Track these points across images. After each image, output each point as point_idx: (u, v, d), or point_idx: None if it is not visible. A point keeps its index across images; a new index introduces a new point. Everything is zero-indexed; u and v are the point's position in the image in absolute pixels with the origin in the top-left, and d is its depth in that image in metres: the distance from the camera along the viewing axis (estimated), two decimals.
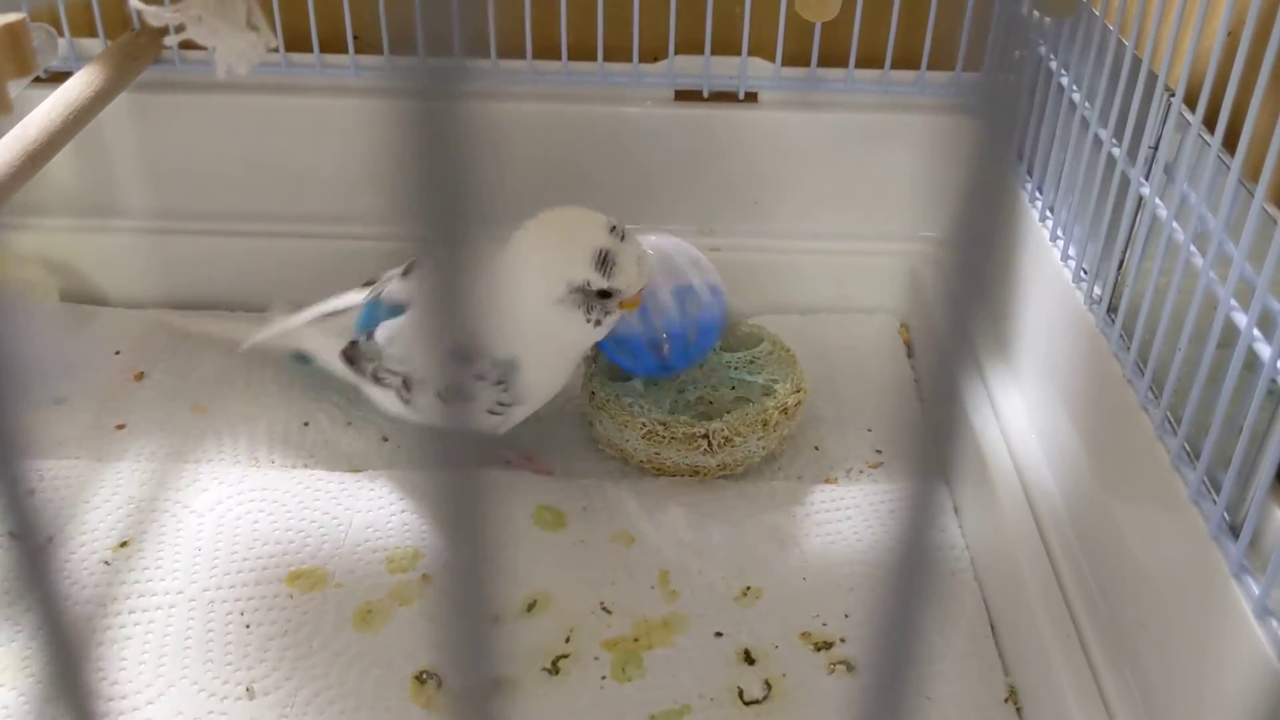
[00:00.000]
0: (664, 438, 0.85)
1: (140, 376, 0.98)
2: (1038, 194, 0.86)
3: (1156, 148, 0.68)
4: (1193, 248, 0.62)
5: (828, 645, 0.75)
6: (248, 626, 0.76)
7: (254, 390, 0.96)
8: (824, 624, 0.76)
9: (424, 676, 0.72)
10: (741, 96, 1.01)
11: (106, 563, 0.80)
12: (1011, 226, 0.89)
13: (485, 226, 0.18)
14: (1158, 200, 0.68)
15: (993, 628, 0.76)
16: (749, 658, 0.73)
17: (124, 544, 0.81)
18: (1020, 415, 0.83)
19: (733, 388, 0.90)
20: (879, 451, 0.91)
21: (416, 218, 0.17)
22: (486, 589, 0.19)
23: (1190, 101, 0.65)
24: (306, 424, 0.93)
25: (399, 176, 0.17)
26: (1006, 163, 0.18)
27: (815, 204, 1.04)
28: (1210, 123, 0.62)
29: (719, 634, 0.75)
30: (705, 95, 1.01)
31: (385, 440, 0.91)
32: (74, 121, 0.85)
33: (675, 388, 0.90)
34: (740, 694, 0.71)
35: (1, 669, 0.72)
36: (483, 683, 0.19)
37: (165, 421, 0.93)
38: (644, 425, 0.85)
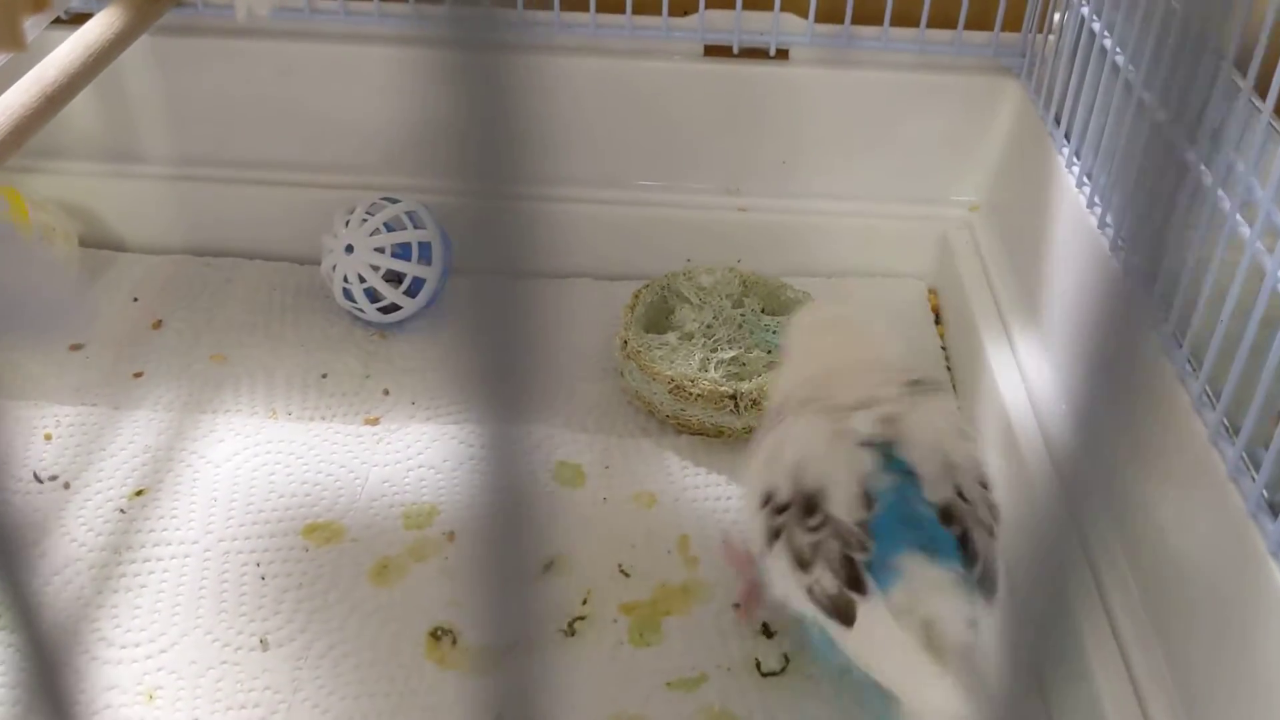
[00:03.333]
0: (691, 394, 0.84)
1: (159, 324, 0.97)
2: (1075, 159, 0.84)
3: (1204, 112, 0.66)
4: (1239, 217, 0.60)
5: None
6: (263, 578, 0.75)
7: (273, 340, 0.95)
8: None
9: (439, 633, 0.72)
10: (772, 53, 0.99)
11: (122, 510, 0.79)
12: (1047, 192, 0.86)
13: (523, 181, 0.17)
14: (1203, 167, 0.66)
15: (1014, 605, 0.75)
16: (767, 630, 0.72)
17: (140, 492, 0.81)
18: (1050, 385, 0.82)
19: (769, 351, 0.89)
20: None
21: (452, 170, 0.16)
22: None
23: (1241, 66, 0.62)
24: (325, 375, 0.92)
25: (432, 128, 0.15)
26: (1154, 326, 0.16)
27: (845, 165, 1.02)
28: (1262, 89, 0.60)
29: (738, 604, 0.74)
30: (735, 51, 0.99)
31: (386, 394, 0.90)
32: (94, 64, 0.84)
33: (709, 346, 0.89)
34: (758, 665, 0.70)
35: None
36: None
37: (183, 370, 0.92)
38: (671, 380, 0.85)
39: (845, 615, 0.57)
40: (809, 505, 0.60)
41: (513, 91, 0.15)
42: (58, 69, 0.80)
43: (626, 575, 0.76)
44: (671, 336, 0.90)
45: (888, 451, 0.60)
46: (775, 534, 0.61)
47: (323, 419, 0.88)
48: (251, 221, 1.04)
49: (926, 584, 0.58)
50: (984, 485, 0.61)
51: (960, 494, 0.59)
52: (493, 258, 0.16)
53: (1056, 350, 0.83)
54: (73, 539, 0.77)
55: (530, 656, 0.19)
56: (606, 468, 0.84)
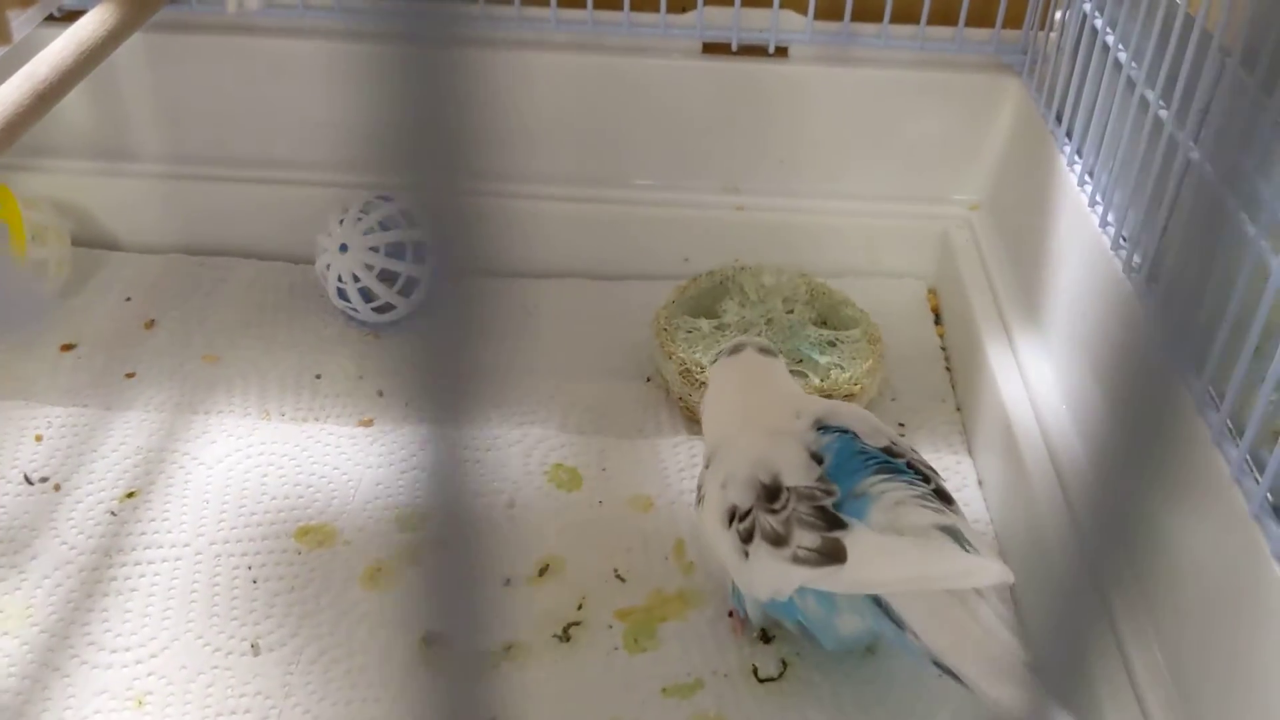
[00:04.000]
0: (696, 381, 0.84)
1: (151, 324, 0.96)
2: (1077, 157, 0.83)
3: (1208, 110, 0.65)
4: (1244, 215, 0.60)
5: None
6: (254, 582, 0.74)
7: (266, 340, 0.94)
8: None
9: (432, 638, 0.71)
10: (772, 50, 0.98)
11: (113, 513, 0.78)
12: (1048, 191, 0.86)
13: (477, 177, 0.16)
14: (1208, 166, 0.65)
15: (1016, 605, 0.74)
16: (765, 635, 0.71)
17: (131, 494, 0.80)
18: (1050, 386, 0.81)
19: (799, 360, 0.88)
20: (901, 425, 0.89)
21: (403, 167, 0.15)
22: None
23: (1247, 63, 0.61)
24: (319, 376, 0.91)
25: (380, 123, 0.15)
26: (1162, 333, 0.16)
27: (845, 164, 1.01)
28: (1268, 86, 0.59)
29: (732, 612, 0.73)
30: (734, 48, 0.98)
31: (380, 395, 0.89)
32: (86, 61, 0.83)
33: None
34: (755, 671, 0.69)
35: (5, 617, 0.71)
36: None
37: (175, 371, 0.91)
38: (682, 363, 0.84)
39: (836, 554, 0.61)
40: (771, 494, 0.64)
41: (465, 87, 0.15)
42: (49, 66, 0.79)
43: (622, 580, 0.75)
44: (706, 324, 0.91)
45: (821, 425, 0.66)
46: (748, 537, 0.64)
47: (316, 420, 0.87)
48: (245, 220, 1.03)
49: (894, 499, 0.62)
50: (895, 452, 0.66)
51: (893, 443, 0.66)
52: (439, 255, 0.15)
53: (1057, 351, 0.82)
54: (63, 541, 0.76)
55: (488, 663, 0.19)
56: (603, 470, 0.83)
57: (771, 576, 0.64)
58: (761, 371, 0.74)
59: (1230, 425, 0.59)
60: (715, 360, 0.78)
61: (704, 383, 0.83)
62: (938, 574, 0.60)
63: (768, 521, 0.63)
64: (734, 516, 0.65)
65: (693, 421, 0.87)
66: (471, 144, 0.16)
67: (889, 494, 0.62)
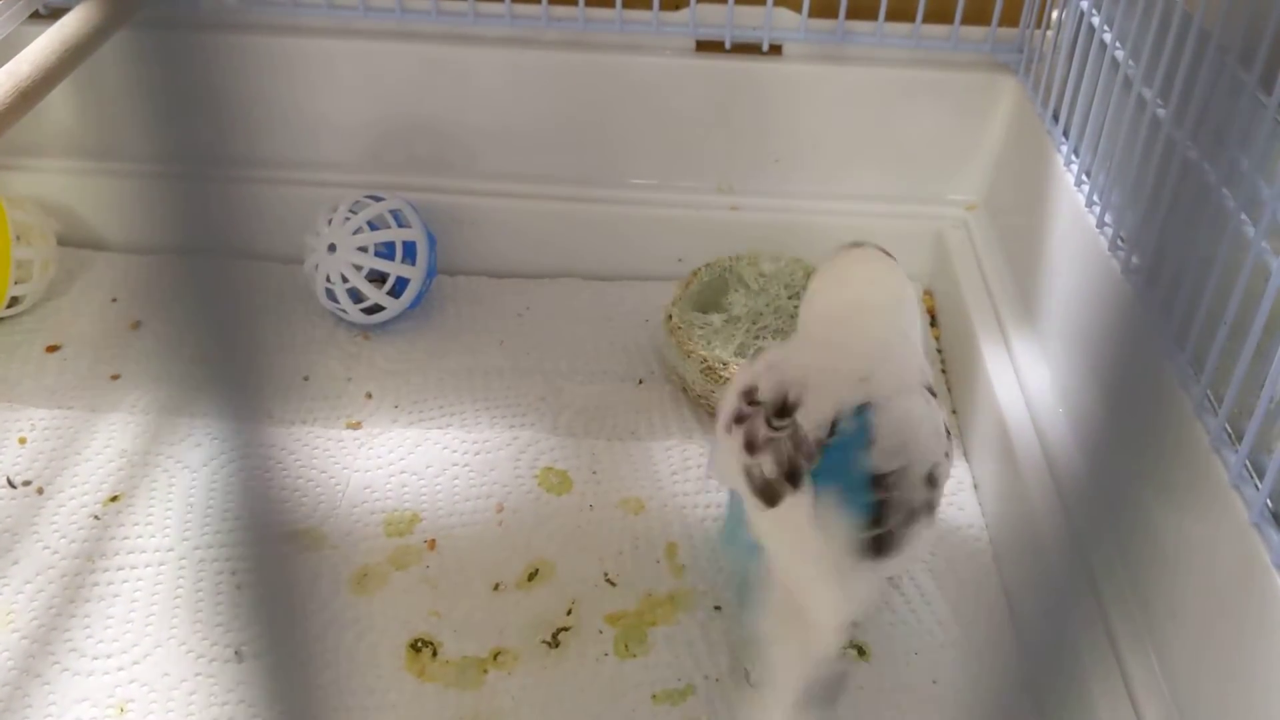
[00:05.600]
0: (721, 378, 0.83)
1: (137, 325, 0.95)
2: (1074, 156, 0.82)
3: (1206, 108, 0.64)
4: (1244, 216, 0.59)
5: None
6: (238, 587, 0.73)
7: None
8: None
9: (419, 644, 0.70)
10: (765, 49, 0.97)
11: (96, 517, 0.77)
12: (1044, 191, 0.85)
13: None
14: (1206, 165, 0.64)
15: (1011, 612, 0.73)
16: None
17: (114, 498, 0.79)
18: (1047, 387, 0.80)
19: None
20: None
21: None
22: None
23: (1245, 61, 0.61)
24: (306, 378, 0.90)
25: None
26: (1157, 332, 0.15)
27: (839, 163, 1.00)
28: (1267, 84, 0.58)
29: (723, 611, 0.72)
30: (727, 46, 0.97)
31: (369, 397, 0.88)
32: (70, 59, 0.82)
33: (752, 332, 0.89)
34: (747, 675, 0.68)
35: None
36: None
37: (161, 373, 0.90)
38: (704, 360, 0.84)
39: (771, 497, 0.63)
40: (781, 409, 0.64)
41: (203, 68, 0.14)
42: (32, 64, 0.78)
43: (613, 584, 0.74)
44: (717, 318, 0.90)
45: (862, 408, 0.64)
46: (740, 419, 0.65)
47: (304, 423, 0.86)
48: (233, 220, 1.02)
49: (832, 524, 0.62)
50: (931, 482, 0.64)
51: (901, 472, 0.63)
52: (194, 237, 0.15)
53: (1053, 352, 0.81)
54: (45, 546, 0.75)
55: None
56: (594, 473, 0.82)
57: (729, 462, 0.65)
58: (881, 288, 0.71)
59: (1229, 430, 0.58)
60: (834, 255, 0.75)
61: (728, 379, 0.82)
62: (806, 583, 0.61)
63: (759, 427, 0.64)
64: (750, 396, 0.66)
65: (713, 419, 0.85)
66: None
67: (832, 515, 0.62)
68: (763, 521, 0.63)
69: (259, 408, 0.16)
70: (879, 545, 0.62)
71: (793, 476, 0.63)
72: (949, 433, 0.66)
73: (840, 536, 0.62)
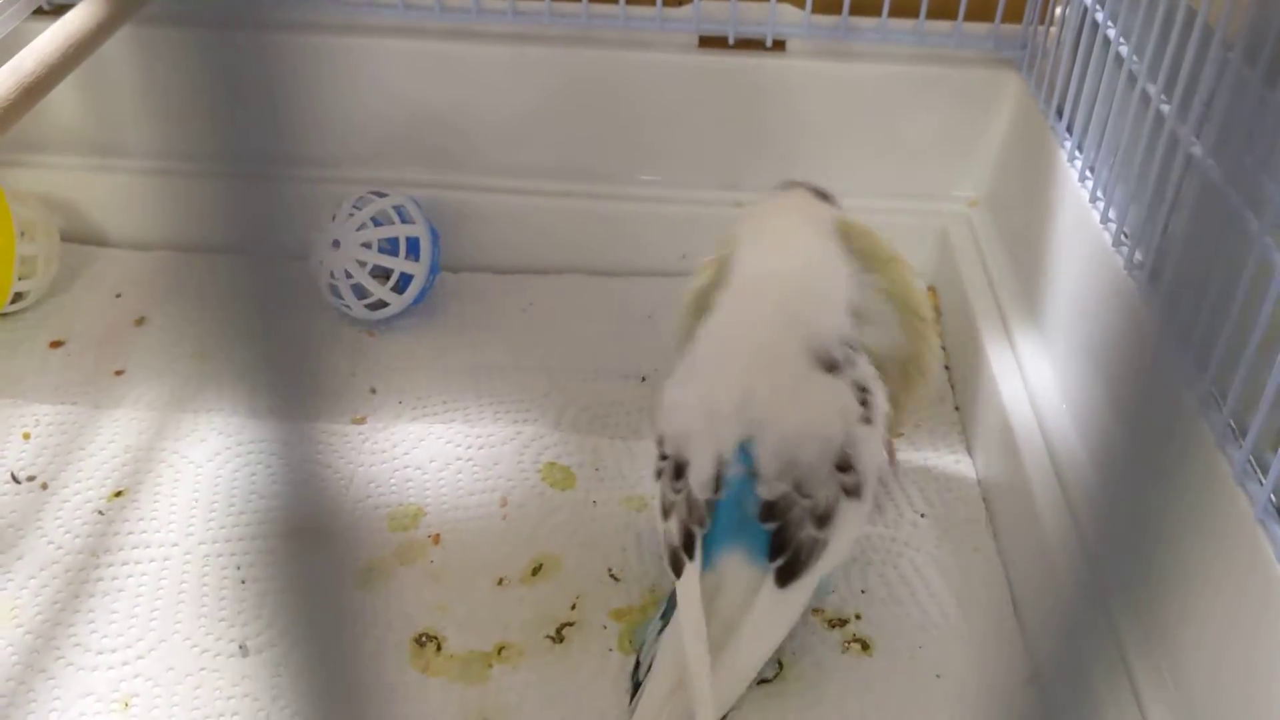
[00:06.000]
0: None
1: (141, 321, 0.95)
2: (1077, 153, 0.82)
3: (1210, 105, 0.64)
4: (1248, 213, 0.59)
5: (842, 622, 0.72)
6: (243, 582, 0.73)
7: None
8: (840, 599, 0.73)
9: (423, 639, 0.70)
10: (769, 44, 0.97)
11: (100, 512, 0.77)
12: (1048, 188, 0.85)
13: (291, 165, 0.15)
14: (1211, 162, 0.64)
15: (1015, 606, 0.73)
16: None
17: (119, 493, 0.79)
18: (1050, 385, 0.80)
19: None
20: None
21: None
22: None
23: (1250, 58, 0.60)
24: None
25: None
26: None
27: (842, 159, 1.00)
28: (1272, 81, 0.58)
29: None
30: (731, 42, 0.97)
31: (373, 392, 0.88)
32: (74, 54, 0.82)
33: None
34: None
35: None
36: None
37: (165, 369, 0.90)
38: None
39: (676, 567, 0.64)
40: (677, 471, 0.65)
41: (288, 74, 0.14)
42: (35, 60, 0.78)
43: (617, 580, 0.74)
44: None
45: (746, 444, 0.64)
46: (659, 473, 0.67)
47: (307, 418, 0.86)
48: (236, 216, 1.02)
49: (736, 581, 0.63)
50: (841, 467, 0.64)
51: (797, 488, 0.63)
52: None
53: (1057, 349, 0.81)
54: (50, 541, 0.75)
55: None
56: (597, 470, 0.82)
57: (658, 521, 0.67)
58: (799, 233, 0.72)
59: (1233, 426, 0.58)
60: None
61: None
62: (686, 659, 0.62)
63: (668, 491, 0.66)
64: (661, 447, 0.67)
65: None
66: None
67: (734, 573, 0.63)
68: (677, 587, 0.64)
69: (309, 406, 0.16)
70: (785, 574, 0.63)
71: (688, 545, 0.64)
72: (867, 389, 0.66)
73: (749, 597, 0.63)
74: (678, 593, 0.64)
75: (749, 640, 0.62)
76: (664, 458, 0.67)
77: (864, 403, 0.65)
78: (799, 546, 0.62)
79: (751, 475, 0.63)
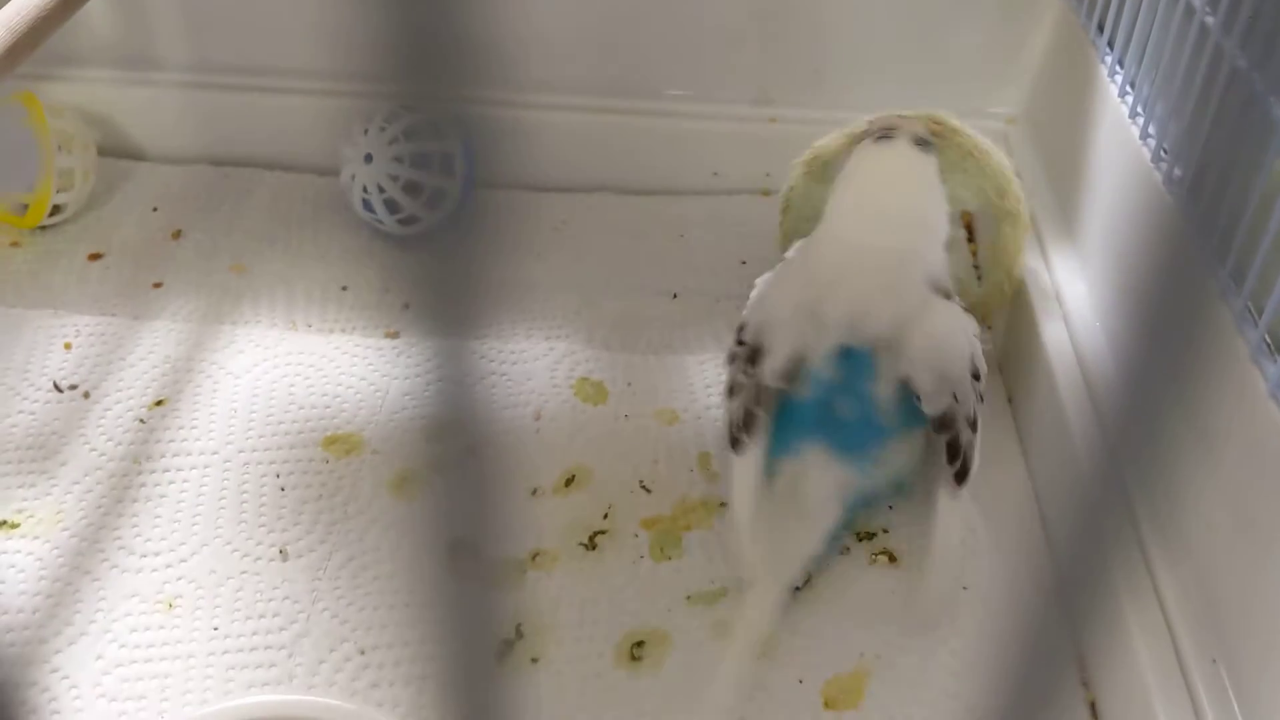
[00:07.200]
0: None
1: (178, 234, 0.96)
2: (1118, 68, 0.81)
3: (1256, 17, 0.63)
4: None
5: (870, 536, 0.72)
6: (282, 489, 0.75)
7: (293, 252, 0.94)
8: (868, 512, 0.74)
9: (458, 547, 0.71)
10: None
11: (141, 420, 0.79)
12: (1087, 104, 0.83)
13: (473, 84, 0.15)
14: (1255, 74, 0.63)
15: (1043, 520, 0.74)
16: None
17: (159, 402, 0.80)
18: (1084, 302, 0.79)
19: None
20: None
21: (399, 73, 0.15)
22: None
23: None
24: (345, 288, 0.91)
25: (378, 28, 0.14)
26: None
27: (878, 74, 0.99)
28: None
29: None
30: None
31: (406, 307, 0.89)
32: None
33: None
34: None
35: (36, 521, 0.72)
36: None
37: (202, 281, 0.91)
38: None
39: (735, 444, 0.70)
40: (754, 355, 0.70)
41: None
42: None
43: (648, 491, 0.75)
44: None
45: (848, 350, 0.68)
46: (732, 358, 0.72)
47: (343, 331, 0.87)
48: (273, 129, 1.03)
49: (822, 472, 0.69)
50: (975, 376, 0.69)
51: (955, 397, 0.68)
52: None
53: (1092, 266, 0.80)
54: (92, 448, 0.77)
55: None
56: (629, 385, 0.83)
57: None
58: (905, 185, 0.73)
59: (1268, 341, 0.58)
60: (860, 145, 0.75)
61: None
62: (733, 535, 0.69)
63: (738, 370, 0.70)
64: (740, 334, 0.71)
65: None
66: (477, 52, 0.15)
67: (815, 465, 0.69)
68: (732, 463, 0.70)
69: (470, 323, 0.17)
70: (961, 476, 0.68)
71: (748, 425, 0.69)
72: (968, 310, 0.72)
73: (819, 499, 0.68)
74: (734, 468, 0.69)
75: (940, 542, 0.68)
76: (741, 343, 0.71)
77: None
78: (967, 449, 0.68)
79: (851, 385, 0.68)
